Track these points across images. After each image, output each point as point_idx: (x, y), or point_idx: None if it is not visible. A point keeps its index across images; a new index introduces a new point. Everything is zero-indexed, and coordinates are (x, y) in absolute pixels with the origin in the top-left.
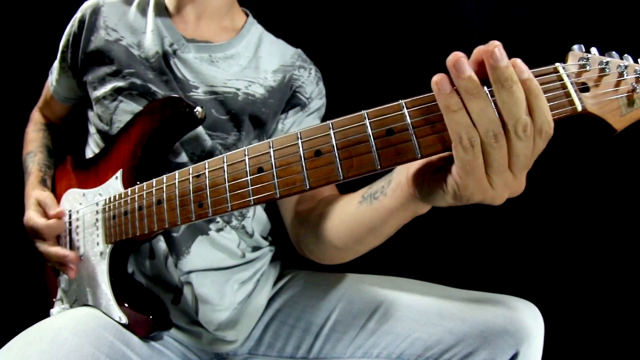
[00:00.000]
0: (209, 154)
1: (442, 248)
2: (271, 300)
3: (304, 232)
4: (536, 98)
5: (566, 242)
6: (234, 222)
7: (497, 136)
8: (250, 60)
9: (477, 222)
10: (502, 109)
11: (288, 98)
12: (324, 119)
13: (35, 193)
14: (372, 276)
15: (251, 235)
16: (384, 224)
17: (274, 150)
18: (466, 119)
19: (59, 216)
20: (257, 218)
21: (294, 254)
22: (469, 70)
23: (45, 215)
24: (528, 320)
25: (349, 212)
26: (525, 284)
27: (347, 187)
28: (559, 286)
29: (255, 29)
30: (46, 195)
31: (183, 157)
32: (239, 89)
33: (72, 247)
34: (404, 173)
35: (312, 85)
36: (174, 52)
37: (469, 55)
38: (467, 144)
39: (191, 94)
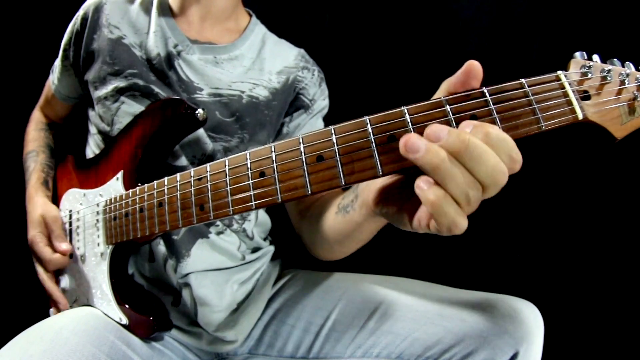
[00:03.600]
0: (210, 157)
1: (442, 248)
2: (271, 300)
3: (303, 228)
4: (471, 159)
5: (566, 243)
6: (235, 226)
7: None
8: (254, 61)
9: (477, 222)
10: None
11: (291, 100)
12: (326, 122)
13: (40, 205)
14: (372, 276)
15: (251, 238)
16: (358, 233)
17: (275, 155)
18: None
19: (65, 253)
20: (259, 222)
21: (294, 254)
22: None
23: (50, 241)
24: (528, 321)
25: (329, 220)
26: (525, 284)
27: None
28: (559, 286)
29: (259, 30)
30: (53, 217)
31: (183, 161)
32: (243, 92)
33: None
34: (365, 191)
35: (315, 86)
36: (179, 53)
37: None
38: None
39: (195, 95)
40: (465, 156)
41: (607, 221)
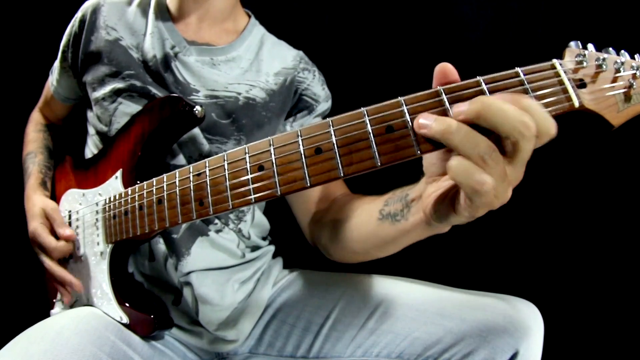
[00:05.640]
0: (206, 157)
1: (442, 248)
2: (271, 299)
3: (320, 232)
4: (492, 117)
5: (566, 242)
6: (231, 225)
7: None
8: (252, 62)
9: (477, 222)
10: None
11: (294, 102)
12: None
13: (39, 200)
14: (372, 276)
15: (248, 238)
16: (405, 240)
17: (274, 148)
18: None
19: (69, 238)
20: (256, 223)
21: (294, 253)
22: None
23: (52, 231)
24: (528, 320)
25: (370, 226)
26: (525, 284)
27: (357, 184)
28: (559, 286)
29: (257, 31)
30: (53, 208)
31: (181, 159)
32: (239, 93)
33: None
34: (422, 204)
35: (318, 87)
36: (176, 54)
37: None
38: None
39: (192, 97)
40: (488, 114)
41: (607, 216)
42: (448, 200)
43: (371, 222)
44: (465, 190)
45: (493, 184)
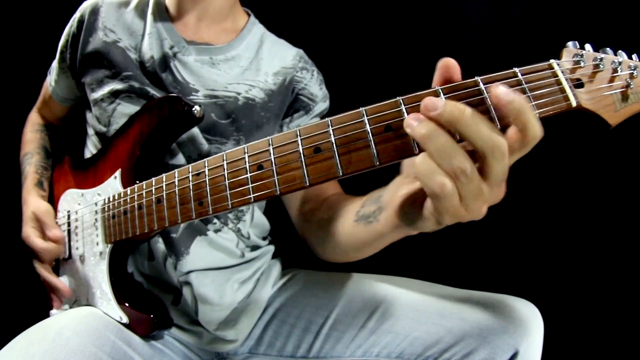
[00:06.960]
0: (206, 157)
1: (442, 248)
2: (271, 299)
3: (309, 231)
4: (465, 126)
5: (565, 241)
6: (230, 225)
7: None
8: (252, 61)
9: (477, 222)
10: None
11: (291, 102)
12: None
13: (32, 203)
14: (372, 275)
15: (248, 238)
16: (379, 243)
17: (273, 148)
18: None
19: (56, 240)
20: (255, 223)
21: (294, 253)
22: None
23: (43, 233)
24: (527, 320)
25: (346, 227)
26: (525, 284)
27: (351, 184)
28: (558, 286)
29: (257, 30)
30: (44, 211)
31: (180, 159)
32: (239, 93)
33: (70, 248)
34: (391, 205)
35: (315, 87)
36: (175, 54)
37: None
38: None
39: (191, 97)
40: (463, 123)
41: (606, 215)
42: (419, 204)
43: (348, 223)
44: (426, 191)
45: (452, 190)
